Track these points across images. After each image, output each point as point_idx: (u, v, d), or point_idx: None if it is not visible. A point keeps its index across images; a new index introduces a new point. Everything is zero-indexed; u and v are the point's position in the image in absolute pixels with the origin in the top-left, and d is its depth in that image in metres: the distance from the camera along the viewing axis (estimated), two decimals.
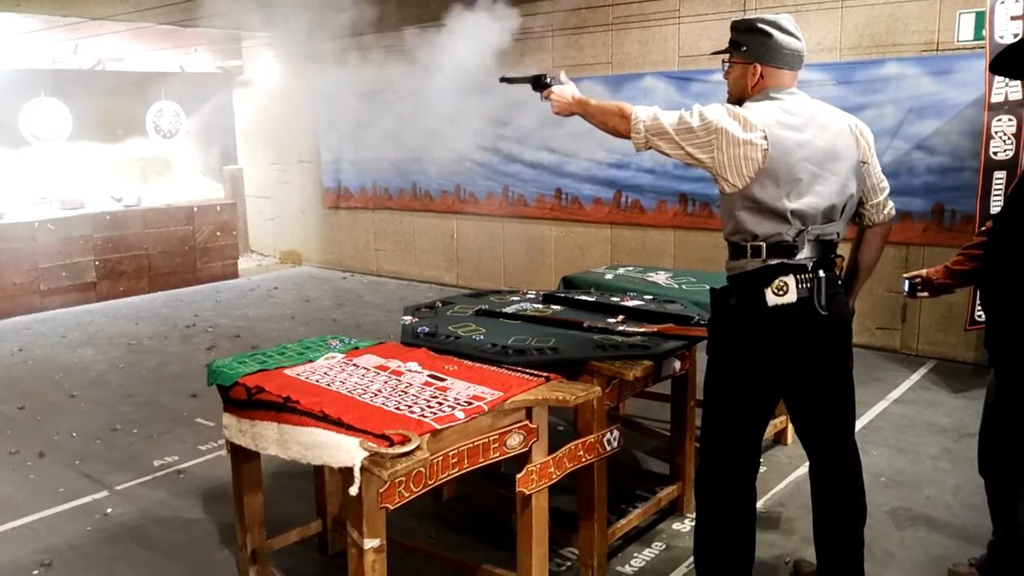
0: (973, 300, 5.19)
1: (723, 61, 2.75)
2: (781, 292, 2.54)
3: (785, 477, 4.03)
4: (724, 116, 2.52)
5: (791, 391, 2.72)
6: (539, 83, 3.03)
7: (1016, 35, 4.84)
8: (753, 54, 2.63)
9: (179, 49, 9.95)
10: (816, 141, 2.55)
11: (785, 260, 2.54)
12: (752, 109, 2.56)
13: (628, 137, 2.65)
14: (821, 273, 2.57)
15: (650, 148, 2.63)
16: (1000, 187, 5.06)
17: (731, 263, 2.66)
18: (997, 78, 4.94)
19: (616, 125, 2.68)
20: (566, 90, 2.89)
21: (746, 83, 2.65)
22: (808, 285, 2.55)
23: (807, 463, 2.86)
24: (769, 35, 2.60)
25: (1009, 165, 5.02)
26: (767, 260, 2.54)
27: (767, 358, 2.62)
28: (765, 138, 2.48)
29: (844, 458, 2.76)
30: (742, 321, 2.61)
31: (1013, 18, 4.86)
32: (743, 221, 2.56)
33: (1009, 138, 4.99)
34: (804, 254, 2.56)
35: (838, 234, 2.64)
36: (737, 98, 2.71)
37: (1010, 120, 4.98)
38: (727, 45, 2.72)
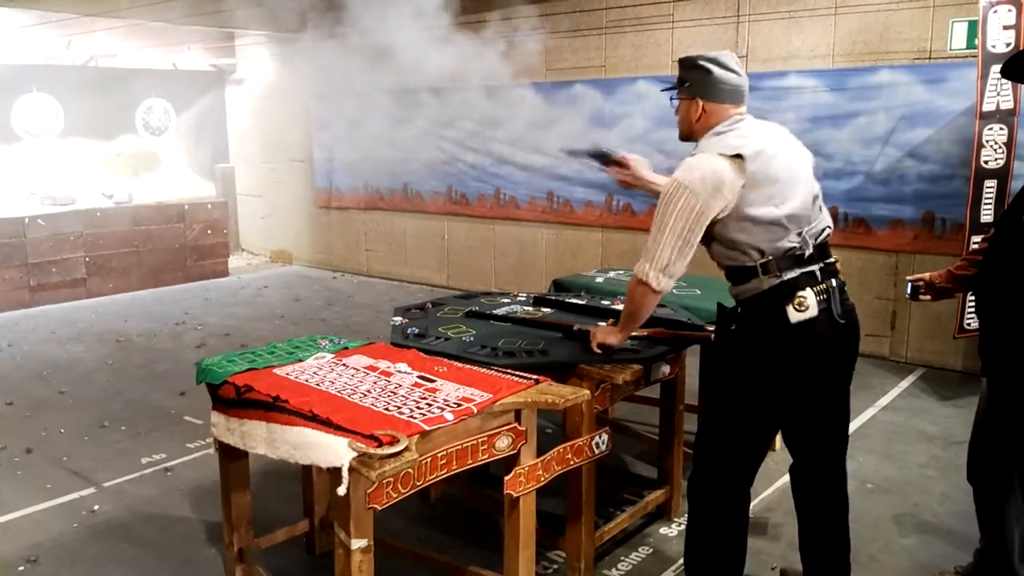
0: (962, 308, 5.22)
1: (671, 99, 2.80)
2: (802, 308, 2.54)
3: (773, 483, 4.04)
4: (700, 193, 2.52)
5: (802, 405, 2.71)
6: (604, 158, 3.27)
7: (1008, 44, 4.87)
8: (694, 90, 2.69)
9: (172, 46, 9.93)
10: (778, 151, 2.61)
11: (801, 271, 2.55)
12: (712, 157, 2.56)
13: (661, 293, 2.70)
14: (833, 282, 2.60)
15: (681, 275, 2.68)
16: (991, 196, 5.09)
17: (740, 287, 2.64)
18: (989, 87, 4.97)
19: (647, 301, 2.76)
20: (608, 331, 3.07)
21: (691, 118, 2.71)
22: (824, 296, 2.58)
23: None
24: (708, 71, 2.65)
25: (1000, 174, 5.05)
26: (782, 275, 2.55)
27: (790, 377, 2.61)
28: (742, 165, 2.51)
29: (838, 467, 2.79)
30: (762, 342, 2.58)
31: (1006, 27, 4.89)
32: (742, 241, 2.57)
33: (1000, 147, 5.02)
34: (811, 260, 2.58)
35: (828, 227, 2.68)
36: (686, 133, 2.78)
37: (1001, 129, 5.01)
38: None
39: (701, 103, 2.66)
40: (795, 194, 2.57)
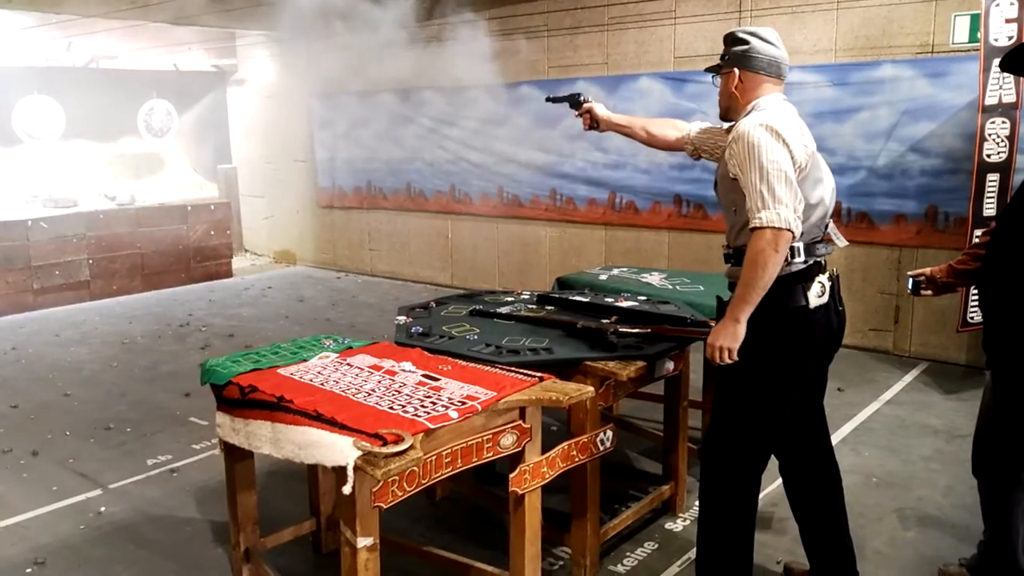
0: (965, 302, 5.22)
1: (712, 78, 2.83)
2: (821, 294, 2.59)
3: (777, 478, 4.02)
4: (777, 146, 2.49)
5: (807, 390, 2.79)
6: (576, 102, 3.36)
7: (1011, 37, 4.86)
8: (733, 61, 2.71)
9: (173, 47, 9.94)
10: (810, 140, 2.66)
11: (816, 258, 2.61)
12: (780, 119, 2.56)
13: (793, 233, 2.47)
14: (833, 270, 2.69)
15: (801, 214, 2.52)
16: (993, 189, 5.08)
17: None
18: (991, 81, 4.96)
19: (779, 251, 2.44)
20: (727, 329, 2.56)
21: (730, 91, 2.73)
22: (831, 285, 2.65)
23: None
24: (747, 42, 2.68)
25: (1002, 167, 5.04)
26: (808, 259, 2.59)
27: (805, 361, 2.66)
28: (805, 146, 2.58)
29: (831, 453, 2.91)
30: (780, 327, 2.58)
31: (1008, 21, 4.88)
32: None
33: (1002, 140, 5.01)
34: (823, 249, 2.65)
35: (827, 226, 2.74)
36: (725, 107, 2.79)
37: (1003, 123, 5.00)
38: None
39: (738, 73, 2.69)
40: (829, 182, 2.67)
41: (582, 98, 3.37)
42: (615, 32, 7.42)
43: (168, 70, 10.62)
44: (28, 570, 3.35)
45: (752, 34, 2.68)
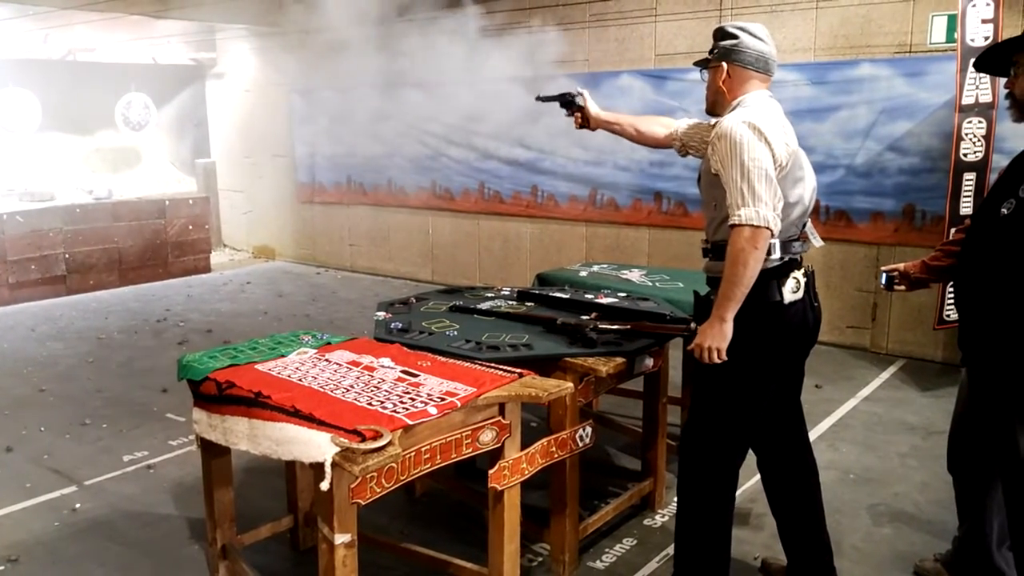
0: (941, 300, 5.27)
1: (700, 72, 2.84)
2: (796, 289, 2.61)
3: (755, 474, 4.04)
4: (759, 145, 2.50)
5: (782, 384, 2.80)
6: (567, 102, 3.33)
7: (987, 38, 4.91)
8: (722, 55, 2.72)
9: (152, 40, 9.84)
10: (793, 138, 2.67)
11: (792, 255, 2.63)
12: (763, 118, 2.57)
13: (773, 232, 2.49)
14: (809, 267, 2.70)
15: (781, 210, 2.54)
16: (970, 188, 5.13)
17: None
18: (968, 80, 5.01)
19: (758, 249, 2.46)
20: (714, 329, 2.56)
21: (718, 85, 2.74)
22: (806, 281, 2.66)
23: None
24: (736, 37, 2.70)
25: (979, 166, 5.09)
26: (784, 256, 2.61)
27: (780, 356, 2.68)
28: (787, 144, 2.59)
29: (808, 448, 2.92)
30: (755, 322, 2.59)
31: (984, 21, 4.94)
32: None
33: (979, 140, 5.06)
34: (799, 247, 2.67)
35: (805, 224, 2.76)
36: (712, 101, 2.81)
37: (980, 122, 5.05)
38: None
39: (727, 67, 2.69)
40: (810, 180, 2.69)
41: (572, 97, 3.36)
42: (595, 29, 7.42)
43: (146, 63, 10.52)
44: (1, 568, 3.31)
45: (742, 29, 2.69)
